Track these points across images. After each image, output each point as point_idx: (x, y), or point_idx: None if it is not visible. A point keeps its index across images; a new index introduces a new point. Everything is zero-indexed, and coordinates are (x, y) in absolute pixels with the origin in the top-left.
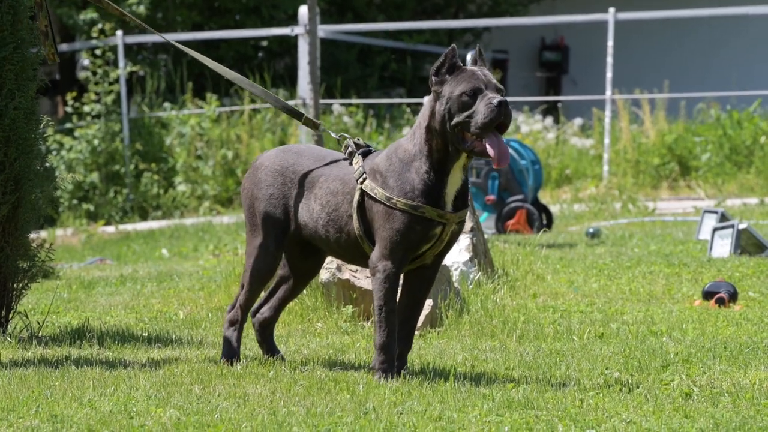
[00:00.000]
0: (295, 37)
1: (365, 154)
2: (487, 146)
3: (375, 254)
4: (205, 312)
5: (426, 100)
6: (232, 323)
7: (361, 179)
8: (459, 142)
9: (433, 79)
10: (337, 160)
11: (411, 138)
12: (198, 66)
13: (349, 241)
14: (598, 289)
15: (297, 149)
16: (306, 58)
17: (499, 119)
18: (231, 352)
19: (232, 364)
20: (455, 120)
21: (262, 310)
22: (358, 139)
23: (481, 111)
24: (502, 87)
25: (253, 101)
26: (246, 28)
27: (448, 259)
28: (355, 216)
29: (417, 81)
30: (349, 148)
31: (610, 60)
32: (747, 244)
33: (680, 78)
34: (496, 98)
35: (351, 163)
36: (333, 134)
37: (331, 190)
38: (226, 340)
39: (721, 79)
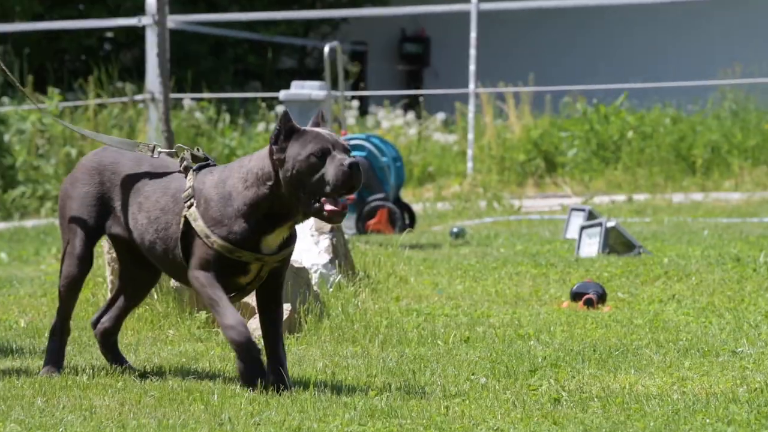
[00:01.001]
0: (143, 28)
1: (202, 168)
2: (327, 206)
3: (191, 266)
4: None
5: (257, 155)
6: (52, 333)
7: (188, 202)
8: (307, 206)
9: (274, 148)
10: (169, 170)
11: (243, 179)
12: (39, 58)
13: (176, 262)
14: (463, 291)
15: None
16: (154, 50)
17: (352, 182)
18: (51, 362)
19: (51, 377)
20: (306, 184)
21: (102, 320)
22: (198, 149)
23: (331, 173)
24: (349, 147)
25: (98, 95)
26: (90, 18)
27: (307, 262)
28: (180, 245)
29: (273, 74)
30: (185, 162)
31: (473, 52)
32: (615, 242)
33: (545, 71)
34: (347, 159)
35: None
36: (165, 151)
37: (161, 206)
38: (48, 351)
39: (587, 71)
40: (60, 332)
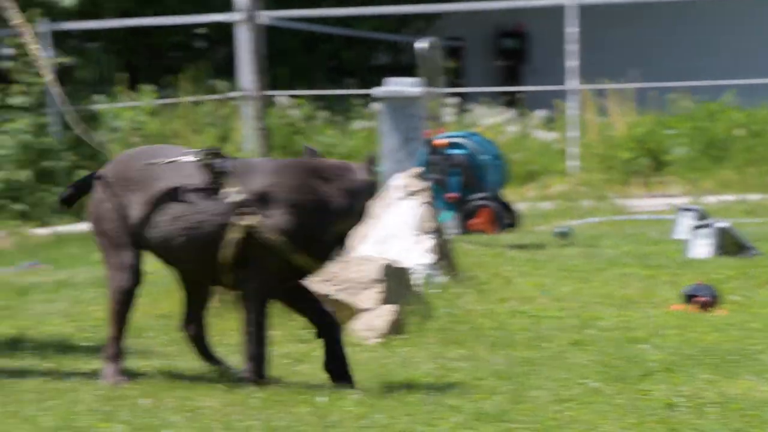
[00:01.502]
0: (235, 24)
1: None
2: None
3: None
4: (150, 320)
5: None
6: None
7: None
8: None
9: None
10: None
11: None
12: (130, 55)
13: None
14: (570, 292)
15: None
16: (246, 46)
17: None
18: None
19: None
20: None
21: (189, 326)
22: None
23: None
24: None
25: (191, 93)
26: (181, 14)
27: (411, 262)
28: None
29: (368, 70)
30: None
31: (572, 47)
32: (727, 244)
33: (650, 67)
34: None
35: None
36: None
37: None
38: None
39: (692, 67)
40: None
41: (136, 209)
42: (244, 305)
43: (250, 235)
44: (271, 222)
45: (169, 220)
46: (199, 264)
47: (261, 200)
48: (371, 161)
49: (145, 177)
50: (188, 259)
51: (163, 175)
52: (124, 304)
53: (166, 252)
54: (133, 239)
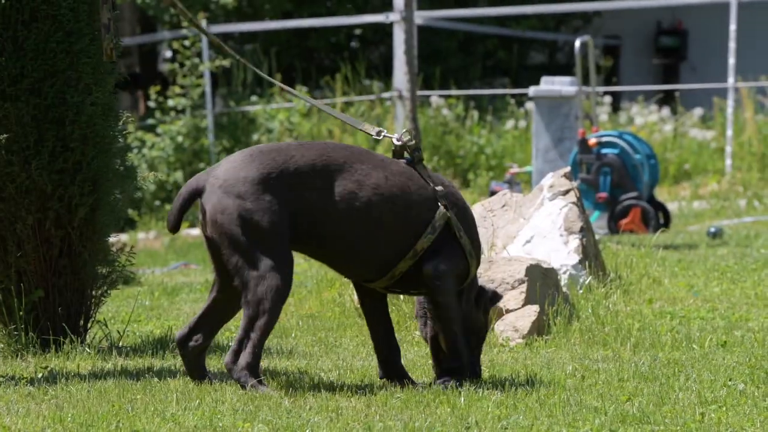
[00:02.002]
0: (391, 25)
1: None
2: None
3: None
4: (295, 320)
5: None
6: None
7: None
8: None
9: None
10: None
11: None
12: (287, 56)
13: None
14: (720, 293)
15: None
16: (402, 46)
17: None
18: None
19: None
20: None
21: (195, 337)
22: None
23: None
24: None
25: (345, 93)
26: (338, 15)
27: (556, 262)
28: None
29: (522, 69)
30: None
31: (732, 45)
32: None
33: None
34: None
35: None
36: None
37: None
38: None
39: None
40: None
41: (313, 204)
42: (441, 301)
43: (447, 228)
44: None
45: (363, 211)
46: (377, 257)
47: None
48: None
49: (325, 170)
50: (366, 252)
51: (353, 167)
52: (280, 304)
53: (339, 246)
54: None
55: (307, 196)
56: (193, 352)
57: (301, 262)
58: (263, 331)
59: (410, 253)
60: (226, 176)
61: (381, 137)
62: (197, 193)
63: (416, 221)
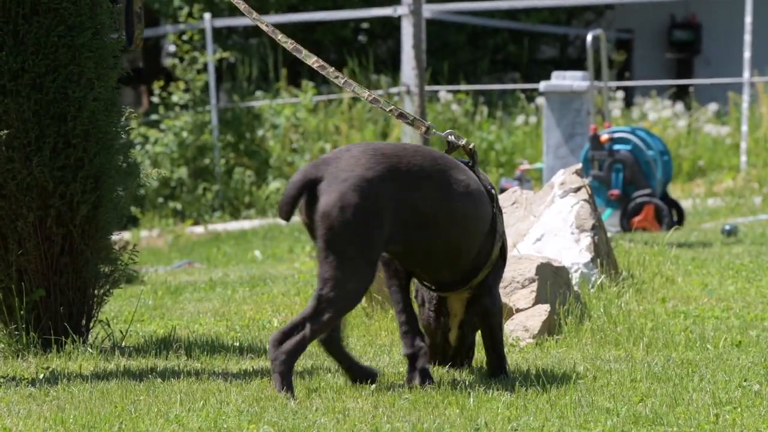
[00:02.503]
0: (398, 19)
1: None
2: None
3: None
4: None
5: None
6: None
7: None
8: None
9: None
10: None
11: None
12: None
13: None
14: (735, 292)
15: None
16: (410, 41)
17: None
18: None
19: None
20: None
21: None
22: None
23: None
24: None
25: None
26: (345, 9)
27: (568, 261)
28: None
29: (533, 64)
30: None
31: (748, 38)
32: None
33: None
34: None
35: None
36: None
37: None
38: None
39: None
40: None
41: (421, 207)
42: (488, 301)
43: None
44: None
45: (461, 214)
46: (468, 264)
47: None
48: None
49: (434, 175)
50: (462, 259)
51: (453, 171)
52: (348, 311)
53: (440, 250)
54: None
55: (416, 198)
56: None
57: (306, 260)
58: (320, 329)
59: (490, 260)
60: (349, 171)
61: (430, 135)
62: (314, 183)
63: (490, 228)
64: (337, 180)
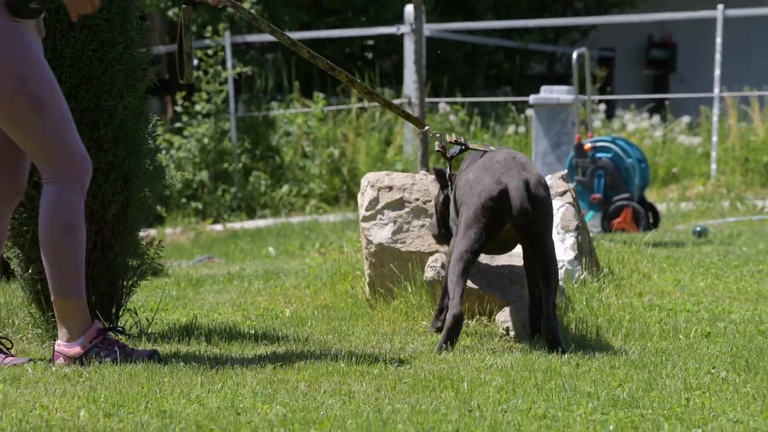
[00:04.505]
0: (401, 37)
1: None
2: None
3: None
4: (311, 310)
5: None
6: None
7: None
8: None
9: None
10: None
11: None
12: (305, 65)
13: None
14: (705, 287)
15: None
16: (412, 56)
17: None
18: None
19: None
20: None
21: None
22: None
23: None
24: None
25: (360, 100)
26: (353, 27)
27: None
28: None
29: (523, 79)
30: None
31: (718, 57)
32: None
33: None
34: None
35: None
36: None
37: None
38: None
39: None
40: None
41: None
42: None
43: None
44: None
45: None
46: None
47: None
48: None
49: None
50: None
51: None
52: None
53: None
54: None
55: None
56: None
57: (315, 256)
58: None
59: None
60: (541, 176)
61: (430, 135)
62: (528, 185)
63: None
64: (539, 184)
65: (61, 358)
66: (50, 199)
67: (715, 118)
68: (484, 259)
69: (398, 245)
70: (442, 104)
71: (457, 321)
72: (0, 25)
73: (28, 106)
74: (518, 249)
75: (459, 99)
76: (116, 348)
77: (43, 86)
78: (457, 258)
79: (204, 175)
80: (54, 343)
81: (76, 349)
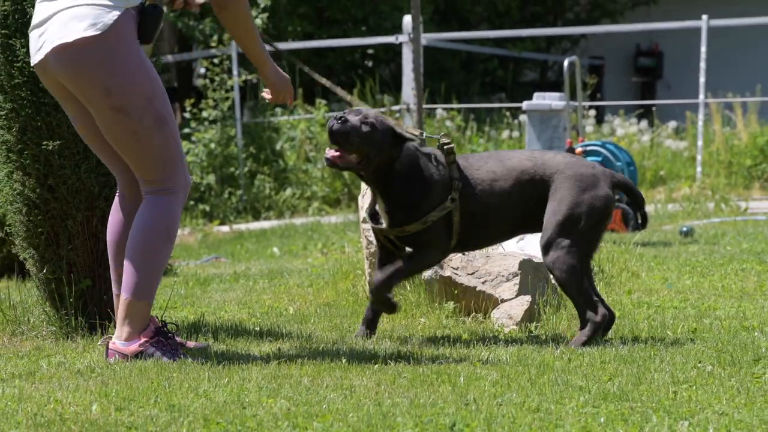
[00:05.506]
0: (400, 45)
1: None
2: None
3: None
4: (314, 308)
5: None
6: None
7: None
8: None
9: None
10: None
11: None
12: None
13: None
14: (691, 285)
15: None
16: (410, 65)
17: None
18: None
19: None
20: None
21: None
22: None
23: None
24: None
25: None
26: (354, 37)
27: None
28: None
29: (517, 86)
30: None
31: (703, 65)
32: None
33: None
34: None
35: None
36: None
37: None
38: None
39: None
40: None
41: None
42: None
43: None
44: None
45: None
46: None
47: None
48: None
49: None
50: None
51: None
52: None
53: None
54: None
55: None
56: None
57: (318, 256)
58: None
59: None
60: None
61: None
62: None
63: None
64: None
65: (117, 355)
66: (158, 205)
67: (700, 124)
68: (479, 256)
69: None
70: (440, 110)
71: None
72: (134, 47)
73: (153, 122)
74: (514, 248)
75: (455, 105)
76: (169, 345)
77: (165, 103)
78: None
79: (211, 178)
80: (107, 341)
81: (133, 347)
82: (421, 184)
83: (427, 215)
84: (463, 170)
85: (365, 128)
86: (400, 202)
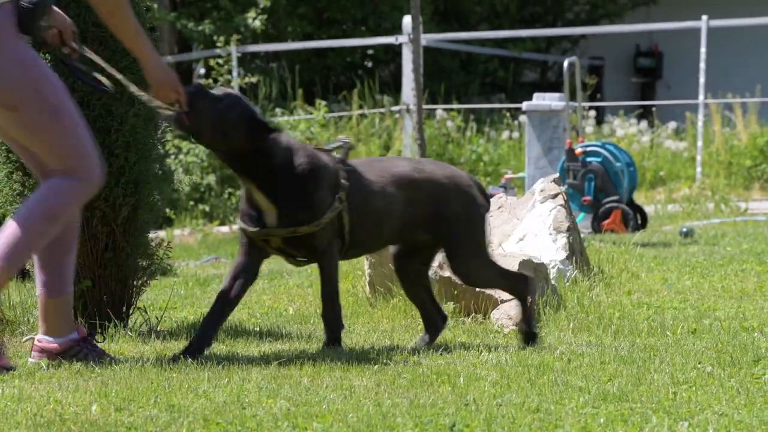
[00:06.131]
0: (400, 46)
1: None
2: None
3: None
4: (314, 308)
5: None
6: None
7: None
8: None
9: None
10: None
11: None
12: (308, 73)
13: None
14: (691, 286)
15: None
16: (410, 65)
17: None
18: None
19: None
20: None
21: None
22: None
23: None
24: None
25: (360, 107)
26: (354, 37)
27: (546, 258)
28: None
29: (517, 86)
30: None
31: (703, 66)
32: None
33: None
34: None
35: None
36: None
37: None
38: None
39: None
40: None
41: None
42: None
43: None
44: None
45: None
46: None
47: None
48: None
49: None
50: None
51: None
52: None
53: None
54: None
55: None
56: None
57: None
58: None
59: None
60: None
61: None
62: None
63: None
64: None
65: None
66: (54, 185)
67: (700, 124)
68: None
69: None
70: (439, 111)
71: None
72: (12, 42)
73: (47, 114)
74: (514, 248)
75: (455, 105)
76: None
77: (57, 93)
78: None
79: (211, 178)
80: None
81: (53, 345)
82: (309, 181)
83: (320, 217)
84: (351, 172)
85: (223, 102)
86: (288, 200)
